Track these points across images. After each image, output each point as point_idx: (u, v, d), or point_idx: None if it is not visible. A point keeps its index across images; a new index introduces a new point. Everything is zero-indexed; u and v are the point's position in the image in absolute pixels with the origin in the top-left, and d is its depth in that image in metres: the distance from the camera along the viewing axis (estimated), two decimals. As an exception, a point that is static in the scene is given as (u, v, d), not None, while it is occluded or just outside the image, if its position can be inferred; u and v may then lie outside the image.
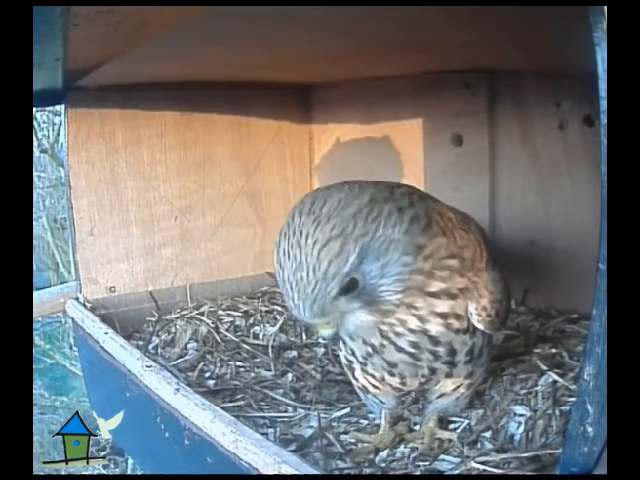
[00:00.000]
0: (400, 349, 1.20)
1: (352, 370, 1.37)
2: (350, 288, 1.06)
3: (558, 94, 1.78)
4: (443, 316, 1.17)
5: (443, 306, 1.16)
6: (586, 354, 0.75)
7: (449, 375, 1.29)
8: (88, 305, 2.04)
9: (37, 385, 5.77)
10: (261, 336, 1.98)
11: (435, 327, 1.17)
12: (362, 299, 1.10)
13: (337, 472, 1.25)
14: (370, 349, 1.23)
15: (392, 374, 1.28)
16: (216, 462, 1.22)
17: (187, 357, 1.84)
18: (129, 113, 2.10)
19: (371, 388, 1.35)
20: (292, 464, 1.05)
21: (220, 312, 2.12)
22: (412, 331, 1.17)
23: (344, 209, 1.06)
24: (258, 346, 1.91)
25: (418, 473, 1.23)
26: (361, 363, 1.30)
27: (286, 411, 1.53)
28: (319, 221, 1.04)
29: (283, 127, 2.44)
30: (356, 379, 1.38)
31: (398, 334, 1.17)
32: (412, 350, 1.20)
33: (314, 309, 1.06)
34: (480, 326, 1.22)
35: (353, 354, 1.29)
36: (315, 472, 1.05)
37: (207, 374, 1.75)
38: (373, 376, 1.31)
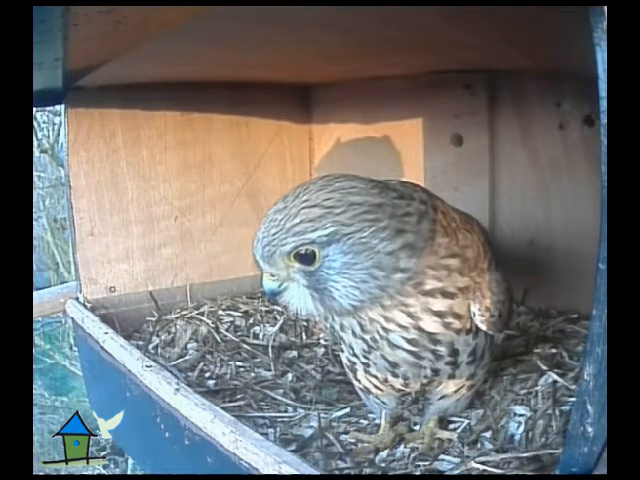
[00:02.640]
0: (395, 346, 1.20)
1: (354, 371, 1.37)
2: (306, 259, 1.09)
3: (558, 94, 1.78)
4: (439, 314, 1.17)
5: (439, 305, 1.16)
6: (586, 354, 0.75)
7: (452, 376, 1.29)
8: (88, 305, 2.04)
9: (37, 385, 5.77)
10: (261, 336, 1.98)
11: (431, 325, 1.17)
12: (311, 281, 1.11)
13: (337, 472, 1.25)
14: (365, 345, 1.23)
15: (395, 375, 1.28)
16: (216, 462, 1.22)
17: (187, 357, 1.84)
18: (129, 113, 2.10)
19: (373, 389, 1.35)
20: (292, 464, 1.05)
21: (220, 312, 2.12)
22: (403, 327, 1.17)
23: (350, 195, 1.09)
24: (258, 346, 1.91)
25: (418, 473, 1.23)
26: (364, 364, 1.30)
27: (286, 411, 1.53)
28: (323, 189, 1.09)
29: (283, 127, 2.44)
30: (358, 380, 1.38)
31: (386, 329, 1.18)
32: (410, 347, 1.20)
33: (264, 251, 1.11)
34: (483, 327, 1.22)
35: (354, 353, 1.29)
36: (315, 472, 1.05)
37: (207, 374, 1.75)
38: (376, 377, 1.31)
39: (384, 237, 1.08)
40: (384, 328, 1.17)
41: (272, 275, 1.15)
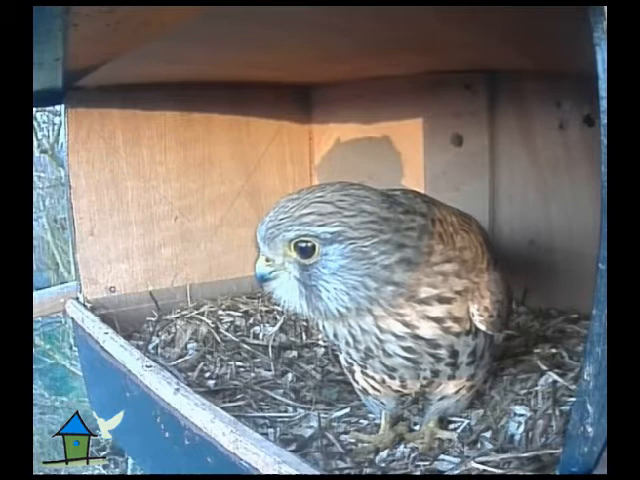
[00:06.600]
0: (390, 355, 1.19)
1: (352, 372, 1.37)
2: (305, 252, 1.10)
3: (558, 94, 1.78)
4: (437, 320, 1.17)
5: (436, 311, 1.16)
6: (586, 354, 0.75)
7: (452, 377, 1.29)
8: (88, 305, 2.04)
9: (37, 385, 5.77)
10: (261, 336, 1.98)
11: (428, 331, 1.17)
12: (304, 276, 1.11)
13: (337, 472, 1.25)
14: (362, 354, 1.23)
15: (392, 377, 1.28)
16: (216, 462, 1.22)
17: (187, 357, 1.84)
18: (129, 113, 2.10)
19: (371, 390, 1.35)
20: (292, 464, 1.05)
21: (220, 312, 2.12)
22: (399, 337, 1.16)
23: (363, 203, 1.10)
24: (258, 346, 1.91)
25: (418, 473, 1.23)
26: (361, 365, 1.30)
27: (286, 411, 1.53)
28: (339, 191, 1.11)
29: (283, 127, 2.44)
30: (356, 381, 1.38)
31: (382, 340, 1.17)
32: (408, 355, 1.19)
33: (267, 233, 1.12)
34: (482, 327, 1.22)
35: (351, 358, 1.29)
36: (315, 472, 1.05)
37: (207, 374, 1.75)
38: (373, 378, 1.31)
39: (384, 250, 1.09)
40: (379, 339, 1.17)
41: (267, 260, 1.16)
